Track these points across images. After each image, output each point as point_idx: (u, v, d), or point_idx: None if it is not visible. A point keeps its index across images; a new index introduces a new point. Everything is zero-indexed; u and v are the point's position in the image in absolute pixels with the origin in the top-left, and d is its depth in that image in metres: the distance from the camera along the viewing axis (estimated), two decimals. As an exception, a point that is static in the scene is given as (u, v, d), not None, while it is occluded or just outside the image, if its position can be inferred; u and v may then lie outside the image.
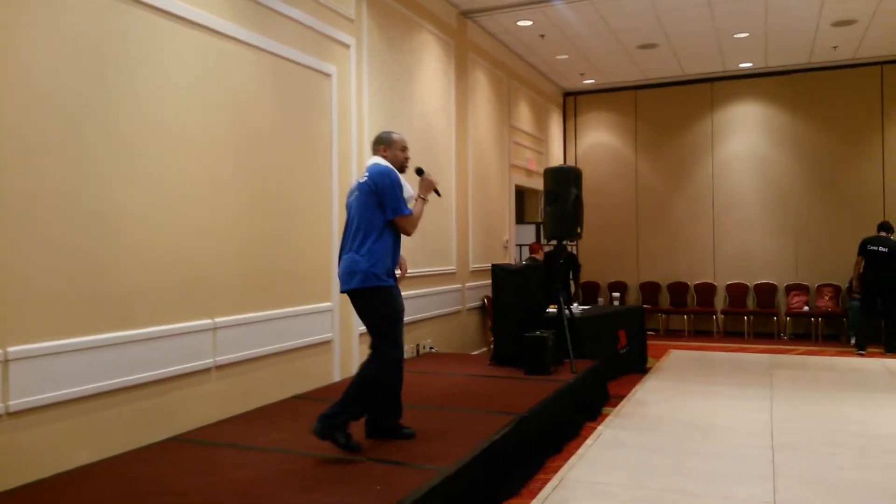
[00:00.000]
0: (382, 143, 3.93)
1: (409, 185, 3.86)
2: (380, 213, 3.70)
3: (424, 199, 3.88)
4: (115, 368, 3.62)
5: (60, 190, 3.35)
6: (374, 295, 3.66)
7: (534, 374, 5.69)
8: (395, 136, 3.95)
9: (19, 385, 3.15)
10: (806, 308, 10.48)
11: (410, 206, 3.79)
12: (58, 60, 3.35)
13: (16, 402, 3.13)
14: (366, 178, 3.75)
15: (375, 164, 3.82)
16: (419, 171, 4.00)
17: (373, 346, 3.73)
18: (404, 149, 3.97)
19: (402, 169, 3.92)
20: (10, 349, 3.11)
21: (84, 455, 3.45)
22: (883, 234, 9.07)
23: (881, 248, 8.91)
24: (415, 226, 3.81)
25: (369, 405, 3.76)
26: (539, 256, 8.18)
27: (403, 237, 3.88)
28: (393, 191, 3.69)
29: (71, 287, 3.41)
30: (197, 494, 3.03)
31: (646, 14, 8.21)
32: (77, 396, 3.42)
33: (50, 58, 3.31)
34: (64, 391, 3.35)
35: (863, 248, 9.11)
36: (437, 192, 4.01)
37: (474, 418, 4.29)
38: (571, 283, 8.87)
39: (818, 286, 10.58)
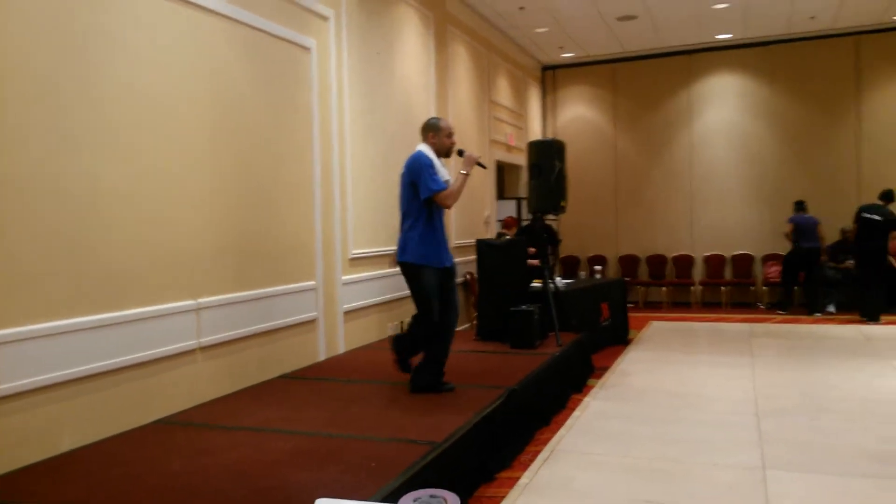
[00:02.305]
0: (430, 130, 4.35)
1: (445, 170, 4.30)
2: (417, 197, 4.19)
3: (466, 174, 4.27)
4: (101, 351, 3.55)
5: (40, 165, 3.23)
6: (415, 270, 4.24)
7: (520, 347, 5.70)
8: (441, 124, 4.36)
9: (6, 369, 3.07)
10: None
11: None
12: (33, 32, 3.22)
13: (3, 387, 3.06)
14: (403, 170, 4.28)
15: (411, 155, 4.30)
16: (460, 153, 4.43)
17: (416, 313, 4.39)
18: (450, 135, 4.36)
19: (448, 154, 4.38)
20: (-3, 333, 3.03)
21: (72, 439, 3.39)
22: (880, 202, 8.94)
23: (874, 217, 8.79)
24: (452, 198, 4.23)
25: (442, 347, 4.39)
26: (511, 232, 8.12)
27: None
28: (423, 172, 4.16)
29: (55, 268, 3.31)
30: (190, 475, 2.99)
31: (625, -15, 8.16)
32: (64, 380, 3.34)
33: (25, 29, 3.18)
34: (50, 375, 3.27)
35: (858, 216, 9.00)
36: (480, 164, 4.41)
37: (464, 393, 4.29)
38: (550, 257, 8.86)
39: (795, 256, 10.68)
